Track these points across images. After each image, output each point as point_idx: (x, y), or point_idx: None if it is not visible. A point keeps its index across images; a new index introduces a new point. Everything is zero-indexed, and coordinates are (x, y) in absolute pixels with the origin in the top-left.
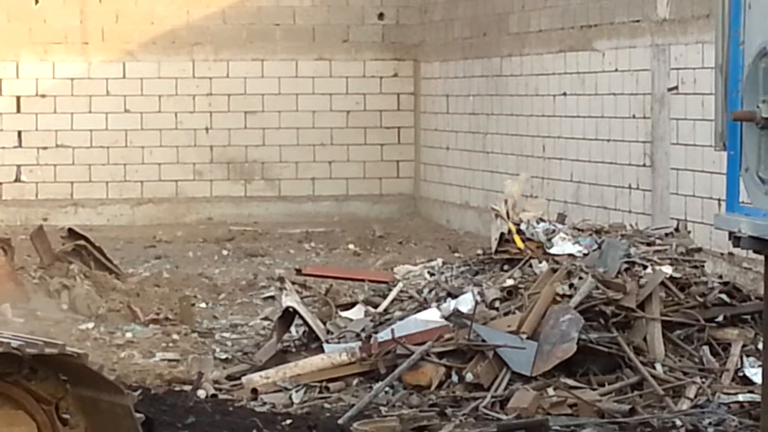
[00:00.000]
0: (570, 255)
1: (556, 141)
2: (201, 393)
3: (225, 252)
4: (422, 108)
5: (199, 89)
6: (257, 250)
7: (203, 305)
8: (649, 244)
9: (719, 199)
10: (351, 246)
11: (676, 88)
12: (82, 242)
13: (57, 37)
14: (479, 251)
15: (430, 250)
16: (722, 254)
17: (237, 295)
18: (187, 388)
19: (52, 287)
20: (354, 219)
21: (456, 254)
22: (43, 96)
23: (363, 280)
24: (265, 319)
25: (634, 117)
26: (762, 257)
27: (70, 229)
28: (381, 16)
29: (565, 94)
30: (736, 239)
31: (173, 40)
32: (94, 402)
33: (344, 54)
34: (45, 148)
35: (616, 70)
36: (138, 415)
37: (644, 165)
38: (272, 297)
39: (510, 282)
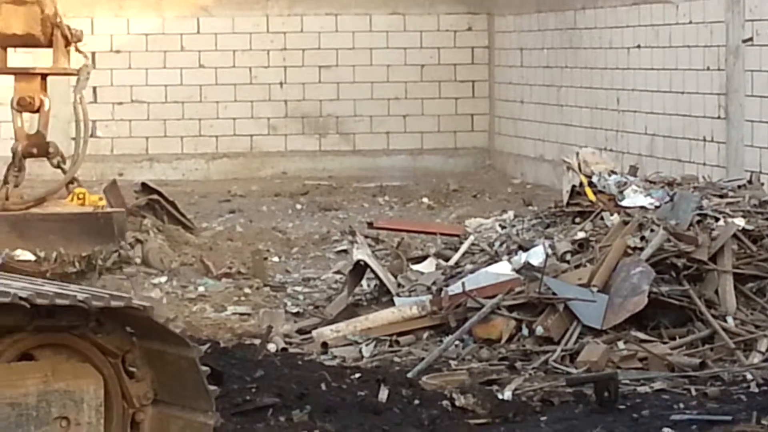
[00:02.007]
0: (641, 207)
1: (630, 94)
2: (271, 347)
3: (299, 206)
4: (496, 62)
5: (273, 44)
6: (331, 204)
7: (276, 259)
8: (721, 196)
9: None
10: (425, 200)
11: (751, 39)
12: (155, 197)
13: None
14: (551, 204)
15: (504, 203)
16: None
17: (310, 248)
18: (258, 341)
19: (126, 241)
20: (428, 173)
21: (530, 207)
22: (118, 52)
23: (434, 233)
24: (337, 272)
25: (708, 69)
26: None
27: (143, 184)
28: None
29: (639, 46)
30: None
31: None
32: (160, 355)
33: (418, 8)
34: (120, 103)
35: (690, 22)
36: (204, 368)
37: (719, 117)
38: (345, 251)
39: (581, 235)
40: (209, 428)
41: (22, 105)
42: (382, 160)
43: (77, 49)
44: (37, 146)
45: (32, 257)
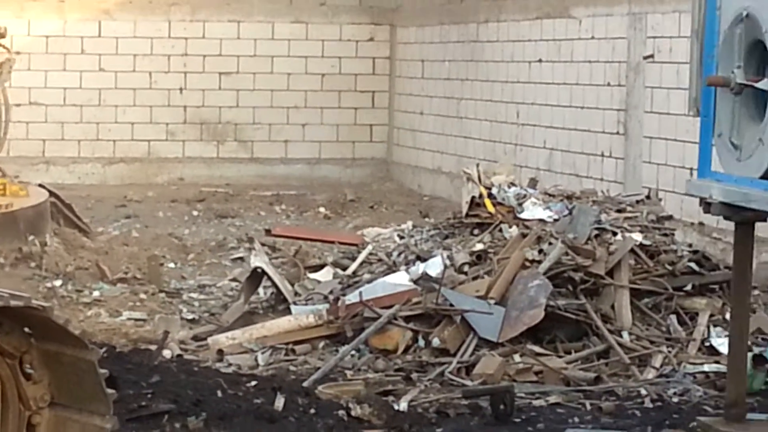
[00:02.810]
0: (540, 220)
1: (530, 107)
2: (167, 353)
3: (195, 213)
4: (397, 72)
5: (174, 49)
6: (228, 211)
7: (172, 265)
8: (619, 211)
9: (692, 168)
10: (322, 209)
11: (652, 56)
12: (52, 199)
13: None
14: (449, 215)
15: (401, 214)
16: (693, 224)
17: (206, 255)
18: (153, 347)
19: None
20: (326, 182)
21: (427, 219)
22: (18, 53)
23: (332, 242)
24: (233, 280)
25: (609, 85)
26: (731, 226)
27: (40, 186)
28: None
29: (540, 60)
30: (707, 205)
31: (150, 0)
32: (58, 357)
33: (321, 17)
34: (18, 105)
35: (593, 38)
36: (102, 371)
37: (617, 133)
38: (241, 258)
39: (479, 246)
40: None
41: None
42: (280, 168)
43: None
44: None
45: None
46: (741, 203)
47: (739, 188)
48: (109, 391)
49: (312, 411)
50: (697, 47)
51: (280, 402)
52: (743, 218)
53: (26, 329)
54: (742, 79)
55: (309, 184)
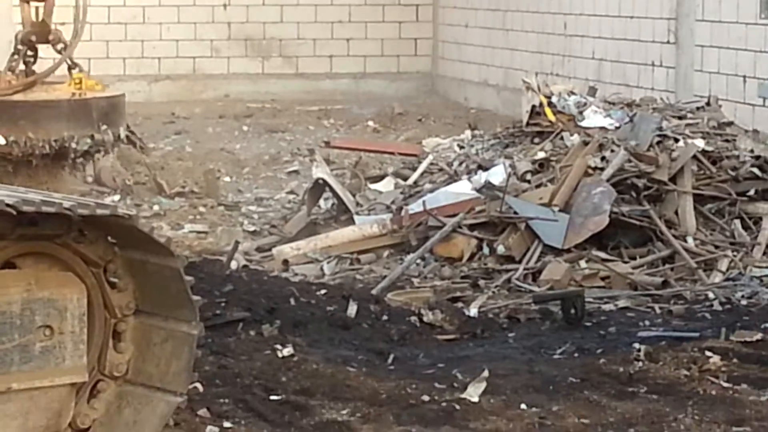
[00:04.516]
0: (602, 128)
1: (577, 18)
2: (233, 264)
3: (245, 128)
4: None
5: None
6: (277, 126)
7: (227, 179)
8: (680, 118)
9: (744, 76)
10: (371, 123)
11: None
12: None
13: None
14: (508, 125)
15: (449, 127)
16: (747, 131)
17: (260, 169)
18: (218, 259)
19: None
20: (372, 97)
21: (476, 131)
22: None
23: (392, 153)
24: (291, 192)
25: None
26: None
27: None
28: None
29: None
30: None
31: None
32: (142, 264)
33: None
34: (63, 23)
35: None
36: (188, 278)
37: (668, 42)
38: (296, 171)
39: (541, 154)
40: (193, 338)
41: None
42: (325, 83)
43: None
44: (36, 33)
45: (2, 141)
46: None
47: None
48: (195, 297)
49: (384, 318)
50: None
51: (352, 309)
52: None
53: (110, 238)
54: None
55: (355, 99)
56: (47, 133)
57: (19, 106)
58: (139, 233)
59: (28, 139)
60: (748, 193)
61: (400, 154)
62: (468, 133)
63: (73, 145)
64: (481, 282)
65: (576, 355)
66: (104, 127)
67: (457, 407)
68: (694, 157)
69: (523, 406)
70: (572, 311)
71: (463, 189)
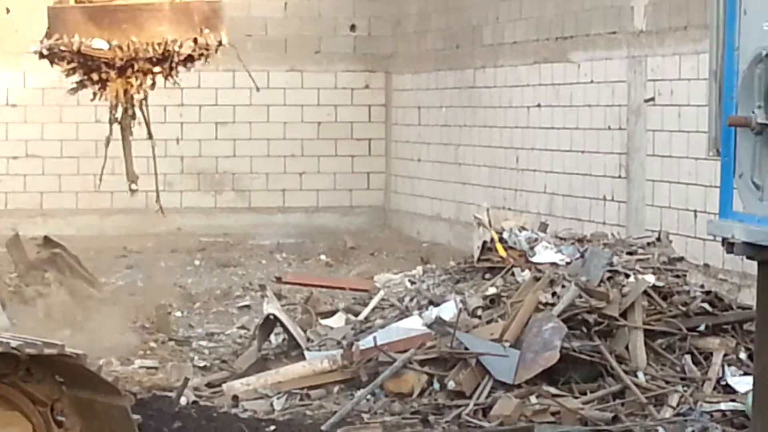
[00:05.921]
0: (553, 263)
1: (529, 152)
2: (182, 400)
3: (197, 262)
4: (393, 120)
5: (170, 99)
6: (229, 260)
7: (179, 314)
8: (631, 253)
9: (695, 211)
10: (323, 257)
11: (653, 99)
12: (58, 250)
13: (29, 46)
14: (460, 260)
15: (401, 261)
16: (698, 265)
17: (212, 304)
18: (168, 395)
19: (28, 295)
20: (324, 230)
21: (428, 266)
22: (14, 106)
23: (343, 288)
24: (242, 327)
25: (609, 128)
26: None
27: (45, 237)
28: (353, 27)
29: (539, 105)
30: (729, 245)
31: None
32: (89, 403)
33: (316, 65)
34: (15, 157)
35: (592, 82)
36: (135, 417)
37: (619, 176)
38: (247, 306)
39: (492, 290)
40: None
41: None
42: (278, 217)
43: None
44: None
45: (106, 46)
46: (764, 243)
47: (762, 228)
48: None
49: None
50: (716, 88)
51: None
52: (767, 257)
53: (57, 377)
54: (763, 119)
55: (308, 233)
56: (150, 36)
57: (120, 10)
58: (86, 372)
59: (131, 43)
60: (699, 329)
61: (351, 289)
62: (419, 268)
63: (176, 48)
64: (431, 418)
65: None
66: (206, 30)
67: None
68: (645, 292)
69: None
70: None
71: (414, 325)
